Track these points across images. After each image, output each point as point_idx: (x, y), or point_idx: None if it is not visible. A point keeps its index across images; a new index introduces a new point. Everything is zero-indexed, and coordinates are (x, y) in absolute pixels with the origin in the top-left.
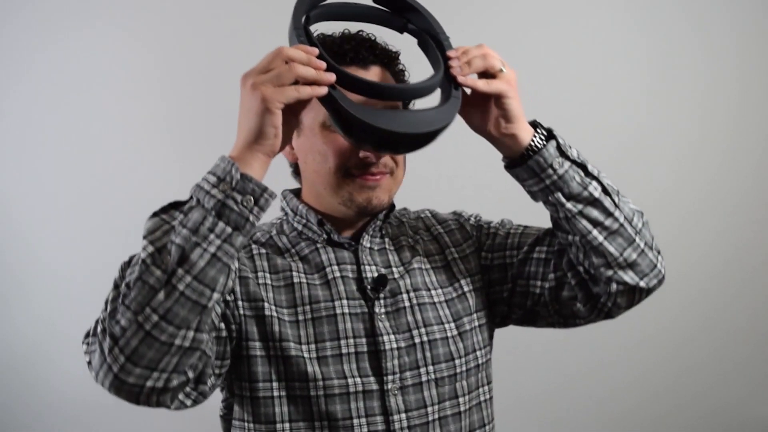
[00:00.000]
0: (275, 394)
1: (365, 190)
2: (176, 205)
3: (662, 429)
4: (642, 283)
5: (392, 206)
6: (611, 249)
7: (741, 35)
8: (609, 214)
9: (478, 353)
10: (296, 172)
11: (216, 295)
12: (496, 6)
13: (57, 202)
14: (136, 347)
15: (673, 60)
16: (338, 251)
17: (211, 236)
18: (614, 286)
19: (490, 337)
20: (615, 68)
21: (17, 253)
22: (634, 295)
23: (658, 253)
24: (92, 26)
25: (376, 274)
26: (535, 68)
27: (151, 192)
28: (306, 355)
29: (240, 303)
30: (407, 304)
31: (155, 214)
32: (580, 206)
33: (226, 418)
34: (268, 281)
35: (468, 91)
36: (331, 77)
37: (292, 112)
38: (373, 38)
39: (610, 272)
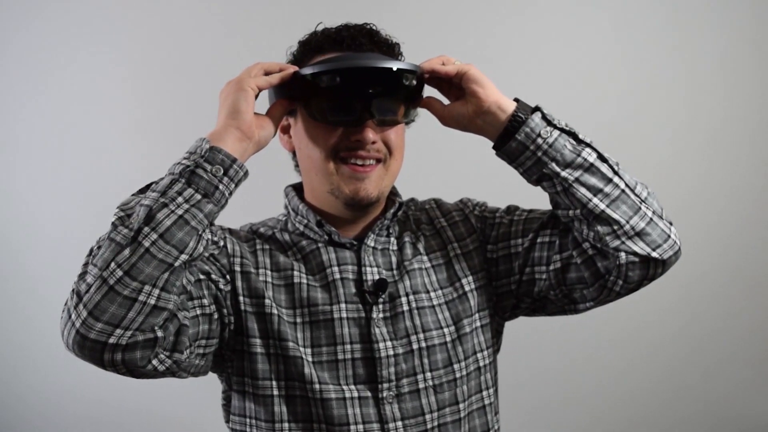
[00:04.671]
0: (275, 392)
1: (353, 180)
2: (152, 184)
3: (663, 430)
4: (655, 254)
5: (400, 204)
6: (616, 216)
7: (730, 30)
8: (608, 180)
9: (479, 355)
10: (298, 166)
11: (183, 257)
12: (495, 6)
13: (60, 201)
14: (98, 302)
15: (663, 59)
16: (340, 251)
17: (179, 199)
18: (623, 256)
19: (495, 336)
20: (604, 65)
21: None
22: (648, 268)
23: (671, 224)
24: (92, 26)
25: (377, 277)
26: (531, 66)
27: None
28: (304, 357)
29: (242, 299)
30: (405, 308)
31: (133, 194)
32: (576, 173)
33: (227, 408)
34: (269, 279)
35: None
36: (294, 67)
37: (273, 119)
38: (373, 28)
39: (617, 242)
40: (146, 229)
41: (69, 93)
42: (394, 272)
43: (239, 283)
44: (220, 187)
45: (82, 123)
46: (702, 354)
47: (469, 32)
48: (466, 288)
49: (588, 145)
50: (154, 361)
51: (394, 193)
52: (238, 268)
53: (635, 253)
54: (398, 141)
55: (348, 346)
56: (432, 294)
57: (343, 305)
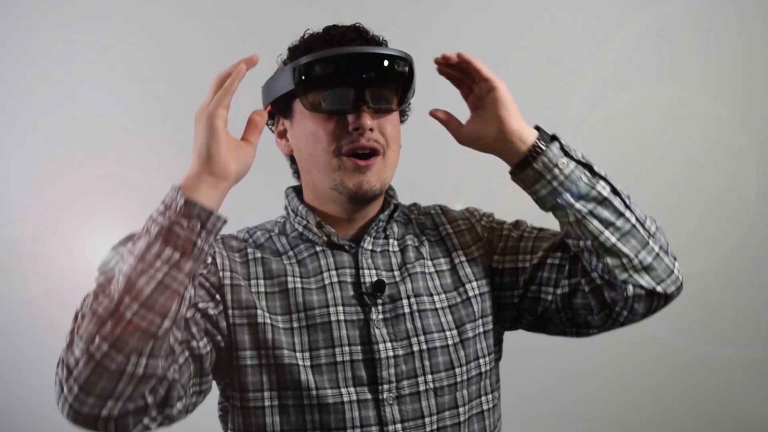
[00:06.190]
0: (266, 403)
1: (356, 174)
2: (132, 237)
3: (663, 430)
4: (659, 288)
5: (396, 206)
6: (625, 250)
7: (744, 39)
8: (620, 214)
9: (481, 361)
10: (297, 170)
11: (167, 323)
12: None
13: (54, 203)
14: (88, 377)
15: (676, 63)
16: (338, 255)
17: (158, 263)
18: (630, 289)
19: (497, 342)
20: (618, 72)
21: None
22: (652, 302)
23: (675, 259)
24: (91, 26)
25: (374, 279)
26: (536, 72)
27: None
28: (300, 363)
29: (230, 312)
30: (407, 310)
31: (114, 247)
32: (590, 206)
33: (224, 419)
34: (262, 288)
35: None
36: (251, 57)
37: (249, 142)
38: (361, 26)
39: (625, 275)
40: (127, 299)
41: (67, 93)
42: (395, 273)
43: (228, 297)
44: (198, 243)
45: (80, 124)
46: (713, 359)
47: (460, 34)
48: (470, 293)
49: (602, 178)
50: (146, 420)
51: (390, 195)
52: (227, 282)
53: (641, 287)
54: (394, 132)
55: (347, 348)
56: (435, 297)
57: (340, 308)
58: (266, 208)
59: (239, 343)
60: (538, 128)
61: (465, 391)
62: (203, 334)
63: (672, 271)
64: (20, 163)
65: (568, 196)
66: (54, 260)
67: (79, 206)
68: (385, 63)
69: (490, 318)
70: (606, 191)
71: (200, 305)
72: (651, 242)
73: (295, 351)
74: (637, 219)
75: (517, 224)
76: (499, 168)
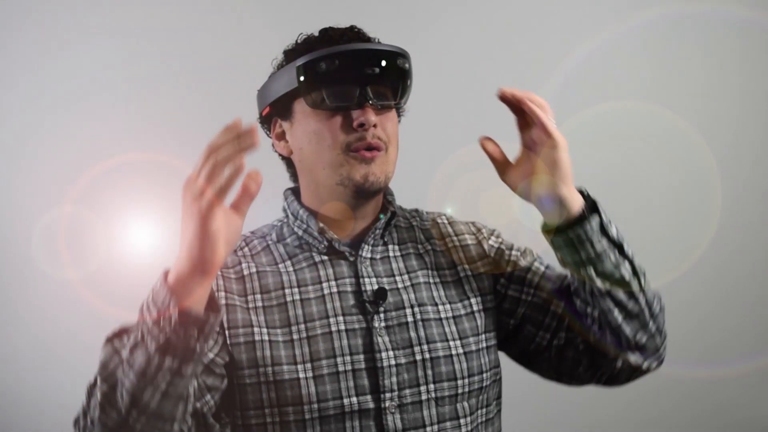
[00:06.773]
0: (267, 420)
1: (363, 165)
2: (127, 330)
3: (661, 429)
4: (644, 365)
5: (393, 213)
6: (627, 330)
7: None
8: (632, 297)
9: (484, 375)
10: (293, 174)
11: (176, 425)
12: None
13: (54, 204)
14: None
15: (674, 69)
16: (337, 265)
17: (159, 375)
18: (619, 363)
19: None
20: (617, 78)
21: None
22: (633, 374)
23: (665, 338)
24: (91, 27)
25: (375, 287)
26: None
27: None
28: (302, 375)
29: (227, 333)
30: (410, 319)
31: (109, 340)
32: (607, 285)
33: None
34: (259, 303)
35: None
36: (253, 138)
37: (240, 210)
38: (357, 28)
39: (618, 350)
40: (134, 412)
41: (107, 79)
42: (396, 279)
43: (224, 317)
44: (197, 348)
45: (118, 108)
46: (713, 358)
47: (456, 35)
48: (475, 308)
49: (628, 258)
50: None
51: (389, 200)
52: (222, 302)
53: (629, 362)
54: (394, 130)
55: (348, 357)
56: (439, 307)
57: (340, 318)
58: (263, 209)
59: (237, 362)
60: (582, 192)
61: (465, 403)
62: (205, 391)
63: (658, 349)
64: (58, 148)
65: (590, 270)
66: (91, 245)
67: (114, 191)
68: (388, 60)
69: (493, 333)
70: (628, 274)
71: None
72: (650, 324)
73: (296, 363)
74: (646, 302)
75: (525, 253)
76: (488, 171)
